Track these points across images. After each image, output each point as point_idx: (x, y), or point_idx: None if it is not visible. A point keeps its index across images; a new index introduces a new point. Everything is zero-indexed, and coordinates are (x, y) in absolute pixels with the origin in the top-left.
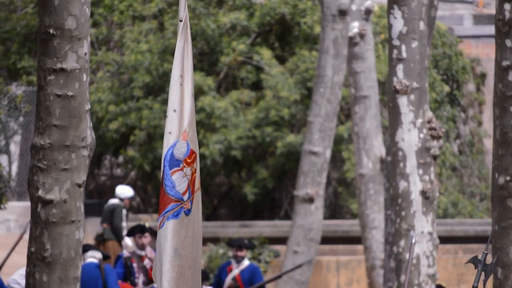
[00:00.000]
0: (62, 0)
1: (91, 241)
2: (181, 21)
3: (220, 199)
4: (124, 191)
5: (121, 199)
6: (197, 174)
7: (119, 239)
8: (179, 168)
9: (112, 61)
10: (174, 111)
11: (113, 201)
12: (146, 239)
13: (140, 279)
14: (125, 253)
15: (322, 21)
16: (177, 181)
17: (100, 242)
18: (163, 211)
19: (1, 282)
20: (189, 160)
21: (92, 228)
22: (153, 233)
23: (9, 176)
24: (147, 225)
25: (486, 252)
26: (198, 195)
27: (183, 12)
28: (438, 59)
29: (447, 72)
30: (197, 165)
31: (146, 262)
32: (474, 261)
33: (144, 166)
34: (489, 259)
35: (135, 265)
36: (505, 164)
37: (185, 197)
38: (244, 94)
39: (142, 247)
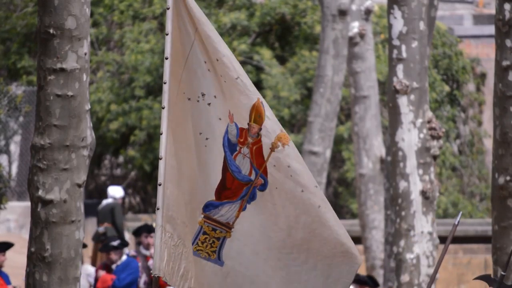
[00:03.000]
0: (62, 0)
1: (90, 240)
2: (168, 8)
3: None
4: (117, 191)
5: (115, 199)
6: (263, 142)
7: (122, 237)
8: (237, 151)
9: (112, 61)
10: (215, 96)
11: (108, 201)
12: (152, 239)
13: (142, 279)
14: (131, 251)
15: (322, 21)
16: (241, 164)
17: (102, 241)
18: (239, 196)
19: (8, 279)
20: (241, 140)
21: (92, 228)
22: None
23: (9, 176)
24: (154, 225)
25: (504, 273)
26: (274, 157)
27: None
28: (438, 59)
29: (447, 72)
30: (260, 133)
31: (151, 262)
32: (488, 279)
33: (144, 166)
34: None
35: (139, 264)
36: (505, 164)
37: (253, 176)
38: None
39: (148, 246)
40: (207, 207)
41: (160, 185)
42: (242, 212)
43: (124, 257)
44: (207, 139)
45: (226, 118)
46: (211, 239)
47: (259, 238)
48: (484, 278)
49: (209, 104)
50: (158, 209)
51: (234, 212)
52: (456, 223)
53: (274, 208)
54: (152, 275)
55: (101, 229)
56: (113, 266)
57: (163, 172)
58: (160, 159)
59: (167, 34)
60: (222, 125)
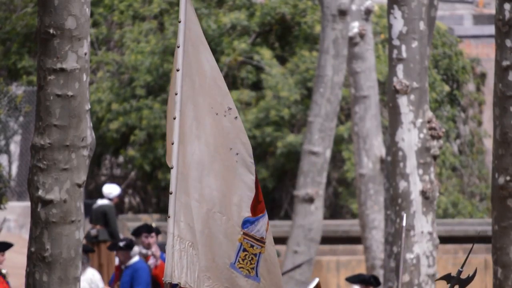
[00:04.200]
0: (62, 0)
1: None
2: (179, 22)
3: None
4: (112, 190)
5: (110, 199)
6: None
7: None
8: None
9: (112, 61)
10: (229, 108)
11: (102, 201)
12: (153, 238)
13: None
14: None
15: (322, 21)
16: None
17: (93, 243)
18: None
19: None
20: None
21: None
22: (159, 233)
23: (9, 176)
24: (154, 225)
25: (461, 270)
26: None
27: (183, 14)
28: (438, 59)
29: (447, 72)
30: None
31: (151, 261)
32: (448, 278)
33: (144, 166)
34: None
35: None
36: (505, 164)
37: None
38: (244, 94)
39: (148, 246)
40: (245, 223)
41: (171, 193)
42: (269, 225)
43: (135, 259)
44: (237, 154)
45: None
46: (250, 256)
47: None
48: (445, 278)
49: (235, 117)
50: (169, 217)
51: (265, 225)
52: (404, 224)
53: None
54: (164, 282)
55: (93, 231)
56: (122, 267)
57: (175, 181)
58: (172, 168)
59: (178, 47)
60: (247, 138)
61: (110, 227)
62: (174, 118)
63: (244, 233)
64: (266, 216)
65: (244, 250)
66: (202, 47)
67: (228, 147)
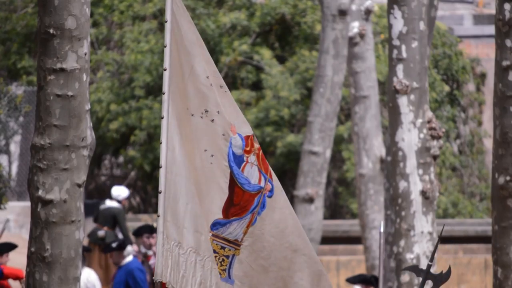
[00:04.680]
0: (62, 0)
1: (86, 238)
2: (166, 22)
3: None
4: (121, 192)
5: (119, 201)
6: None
7: (130, 243)
8: (244, 162)
9: (112, 61)
10: (218, 112)
11: (111, 203)
12: (154, 239)
13: None
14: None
15: (322, 21)
16: (249, 174)
17: (100, 245)
18: (250, 209)
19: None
20: (247, 148)
21: (91, 228)
22: None
23: (9, 176)
24: (155, 225)
25: (430, 263)
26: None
27: (169, 14)
28: (438, 59)
29: (447, 72)
30: (256, 141)
31: (152, 261)
32: (415, 270)
33: (144, 166)
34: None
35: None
36: (505, 164)
37: (262, 183)
38: (244, 94)
39: (149, 247)
40: (214, 225)
41: (160, 192)
42: (251, 228)
43: (129, 258)
44: (212, 156)
45: (229, 132)
46: (221, 257)
47: (270, 251)
48: (411, 268)
49: (212, 120)
50: (158, 216)
51: (242, 229)
52: (381, 230)
53: (282, 212)
54: (154, 280)
55: (101, 232)
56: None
57: (164, 180)
58: (160, 167)
59: (165, 46)
60: (225, 141)
61: (120, 230)
62: (162, 118)
63: (213, 235)
64: (247, 219)
65: (214, 251)
66: (185, 49)
67: (203, 148)
